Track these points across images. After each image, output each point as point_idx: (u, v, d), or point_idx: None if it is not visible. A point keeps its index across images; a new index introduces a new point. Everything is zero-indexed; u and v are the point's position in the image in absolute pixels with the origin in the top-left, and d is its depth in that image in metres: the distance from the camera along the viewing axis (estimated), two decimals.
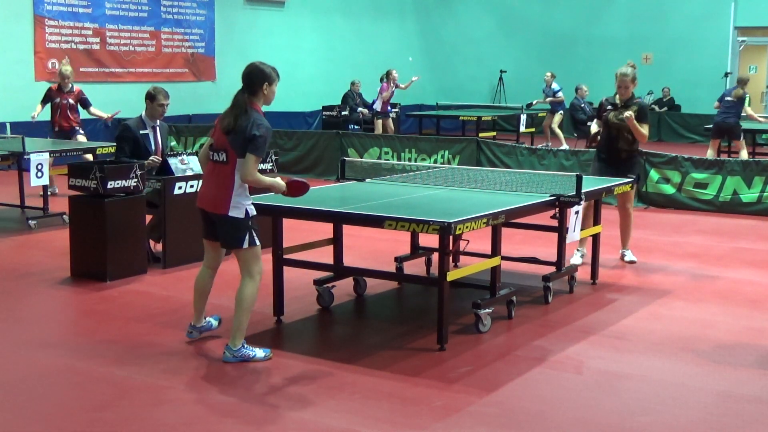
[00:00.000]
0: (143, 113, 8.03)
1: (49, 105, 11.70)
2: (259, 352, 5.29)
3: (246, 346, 5.27)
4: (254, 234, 5.22)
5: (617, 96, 7.90)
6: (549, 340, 5.82)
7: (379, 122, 17.48)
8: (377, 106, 17.50)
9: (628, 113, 7.65)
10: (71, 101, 11.59)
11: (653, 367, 5.35)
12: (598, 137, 8.09)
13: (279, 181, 5.35)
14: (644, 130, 7.74)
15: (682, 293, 7.07)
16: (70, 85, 11.93)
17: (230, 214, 5.14)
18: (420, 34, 24.36)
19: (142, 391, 4.80)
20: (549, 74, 18.25)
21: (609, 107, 7.96)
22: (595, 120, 8.32)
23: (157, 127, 8.03)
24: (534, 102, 19.18)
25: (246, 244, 5.18)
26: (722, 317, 6.44)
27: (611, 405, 4.74)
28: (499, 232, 6.09)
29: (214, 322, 5.82)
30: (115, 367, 5.20)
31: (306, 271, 6.44)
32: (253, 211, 5.23)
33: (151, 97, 7.98)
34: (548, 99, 18.13)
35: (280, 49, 19.81)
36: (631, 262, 8.06)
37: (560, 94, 17.86)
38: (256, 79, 5.17)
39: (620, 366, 5.36)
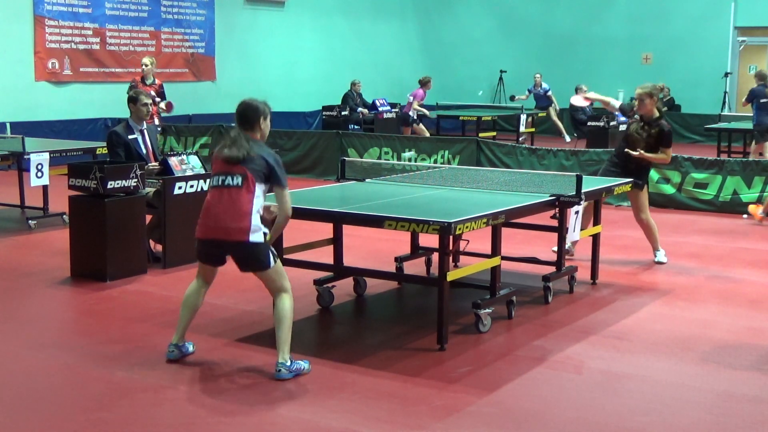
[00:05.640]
0: (129, 118, 7.95)
1: None
2: (305, 365, 5.10)
3: (293, 360, 5.07)
4: (273, 249, 5.12)
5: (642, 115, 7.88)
6: (549, 340, 5.82)
7: (421, 127, 17.18)
8: (412, 112, 17.05)
9: (636, 153, 7.70)
10: (153, 93, 11.96)
11: (653, 367, 5.35)
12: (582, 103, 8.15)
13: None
14: (665, 154, 7.85)
15: (682, 293, 7.07)
16: (152, 77, 12.59)
17: (251, 239, 4.97)
18: (420, 34, 24.35)
19: (142, 391, 4.80)
20: (539, 75, 20.35)
21: (636, 116, 7.92)
22: (617, 103, 8.29)
23: (145, 130, 7.97)
24: (516, 97, 20.58)
25: (273, 262, 5.05)
26: (722, 317, 6.44)
27: (611, 405, 4.74)
28: (499, 232, 6.09)
29: (190, 347, 5.43)
30: (115, 367, 5.19)
31: (306, 271, 6.44)
32: (267, 231, 5.09)
33: (133, 100, 7.87)
34: (539, 95, 20.19)
35: (280, 49, 19.82)
36: (659, 263, 8.00)
37: (550, 91, 20.13)
38: (252, 114, 5.10)
39: (620, 366, 5.36)
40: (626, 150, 7.76)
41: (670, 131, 7.94)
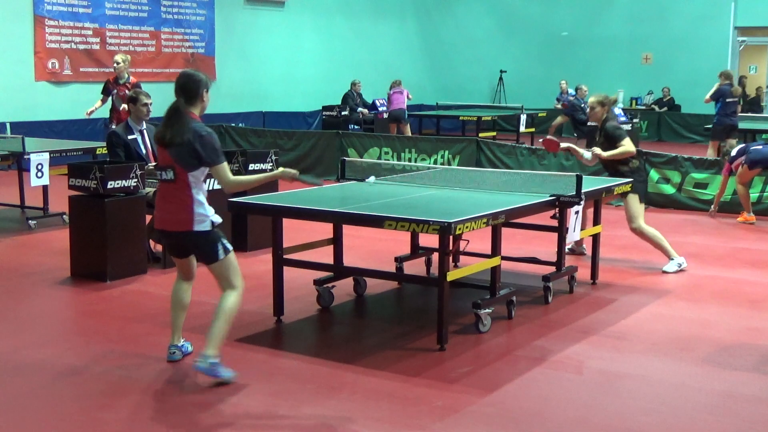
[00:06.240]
0: (129, 119, 7.93)
1: (110, 98, 11.88)
2: (228, 373, 4.90)
3: (219, 360, 4.89)
4: (225, 242, 4.97)
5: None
6: (549, 340, 5.82)
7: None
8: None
9: (593, 154, 7.72)
10: (128, 93, 10.96)
11: (653, 367, 5.35)
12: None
13: (282, 170, 5.19)
14: (621, 148, 7.67)
15: (682, 293, 7.07)
16: (126, 76, 11.74)
17: (196, 229, 4.87)
18: (420, 34, 24.36)
19: (142, 391, 4.80)
20: (564, 82, 20.14)
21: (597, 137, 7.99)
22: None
23: (145, 131, 7.95)
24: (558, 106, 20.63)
25: (222, 255, 4.92)
26: (722, 317, 6.44)
27: (611, 405, 4.74)
28: (499, 232, 6.09)
29: (189, 347, 5.39)
30: (115, 367, 5.19)
31: (306, 271, 6.44)
32: (218, 220, 4.97)
33: (133, 100, 7.82)
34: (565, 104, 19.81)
35: (280, 49, 19.82)
36: (665, 272, 7.71)
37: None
38: (194, 86, 4.96)
39: (620, 366, 5.36)
40: (592, 154, 7.77)
41: (614, 126, 7.87)
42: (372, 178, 7.17)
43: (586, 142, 15.38)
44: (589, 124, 15.46)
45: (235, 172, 8.11)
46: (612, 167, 7.84)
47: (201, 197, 4.92)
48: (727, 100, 14.25)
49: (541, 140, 8.35)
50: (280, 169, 5.26)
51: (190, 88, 4.95)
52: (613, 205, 10.95)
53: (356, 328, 6.39)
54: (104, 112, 14.53)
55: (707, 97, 14.70)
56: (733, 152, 10.43)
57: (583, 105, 17.09)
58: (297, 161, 13.76)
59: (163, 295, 6.83)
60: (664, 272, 7.74)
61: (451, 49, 24.64)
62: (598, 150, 7.70)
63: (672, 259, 7.80)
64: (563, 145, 7.99)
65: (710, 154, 13.85)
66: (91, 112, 12.36)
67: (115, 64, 11.93)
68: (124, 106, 11.21)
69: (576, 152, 8.02)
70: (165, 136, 4.88)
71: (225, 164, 4.92)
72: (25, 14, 14.91)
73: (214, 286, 5.98)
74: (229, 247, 5.00)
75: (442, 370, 5.22)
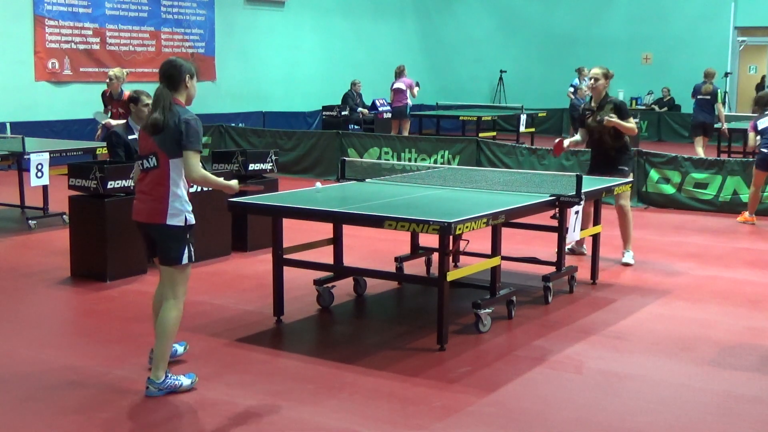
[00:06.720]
0: (129, 119, 7.92)
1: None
2: (185, 380, 4.82)
3: (170, 375, 4.79)
4: (192, 250, 4.81)
5: (592, 100, 8.07)
6: (549, 340, 5.82)
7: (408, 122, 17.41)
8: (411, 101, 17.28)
9: (608, 117, 7.73)
10: (122, 111, 9.97)
11: (653, 367, 5.35)
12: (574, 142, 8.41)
13: (232, 183, 5.01)
14: (630, 124, 7.87)
15: (682, 293, 7.07)
16: (120, 90, 10.74)
17: (168, 222, 4.72)
18: (420, 34, 24.35)
19: (141, 391, 4.80)
20: (584, 68, 19.05)
21: (587, 112, 8.06)
22: (579, 130, 8.40)
23: None
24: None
25: (185, 260, 4.76)
26: (722, 317, 6.44)
27: (611, 405, 4.74)
28: (499, 232, 6.09)
29: (180, 348, 5.33)
30: (115, 367, 5.19)
31: (306, 271, 6.44)
32: (192, 220, 4.80)
33: (134, 101, 7.73)
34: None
35: (280, 49, 19.82)
36: (626, 264, 7.91)
37: None
38: (176, 72, 4.81)
39: (620, 366, 5.36)
40: (604, 119, 7.76)
41: (623, 102, 8.07)
42: (318, 184, 6.92)
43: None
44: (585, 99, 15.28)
45: (235, 172, 8.19)
46: (614, 141, 7.87)
47: (180, 191, 4.77)
48: (698, 97, 14.70)
49: (551, 149, 8.54)
50: (233, 181, 5.06)
51: (171, 74, 4.81)
52: (613, 205, 10.95)
53: (356, 328, 6.38)
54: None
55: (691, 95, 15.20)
56: (760, 123, 10.29)
57: (582, 105, 17.10)
58: (297, 161, 13.78)
59: None
60: (627, 264, 7.91)
61: (451, 49, 24.64)
62: (614, 118, 7.74)
63: (627, 251, 8.03)
64: (564, 143, 8.13)
65: (699, 152, 14.00)
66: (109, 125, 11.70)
67: (107, 80, 11.04)
68: (118, 122, 9.93)
69: (570, 142, 8.32)
70: (149, 123, 4.74)
71: (198, 155, 4.76)
72: (25, 14, 14.90)
73: (212, 286, 6.00)
74: (193, 258, 4.84)
75: (442, 370, 5.22)
